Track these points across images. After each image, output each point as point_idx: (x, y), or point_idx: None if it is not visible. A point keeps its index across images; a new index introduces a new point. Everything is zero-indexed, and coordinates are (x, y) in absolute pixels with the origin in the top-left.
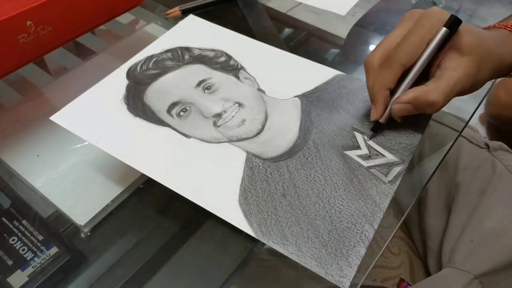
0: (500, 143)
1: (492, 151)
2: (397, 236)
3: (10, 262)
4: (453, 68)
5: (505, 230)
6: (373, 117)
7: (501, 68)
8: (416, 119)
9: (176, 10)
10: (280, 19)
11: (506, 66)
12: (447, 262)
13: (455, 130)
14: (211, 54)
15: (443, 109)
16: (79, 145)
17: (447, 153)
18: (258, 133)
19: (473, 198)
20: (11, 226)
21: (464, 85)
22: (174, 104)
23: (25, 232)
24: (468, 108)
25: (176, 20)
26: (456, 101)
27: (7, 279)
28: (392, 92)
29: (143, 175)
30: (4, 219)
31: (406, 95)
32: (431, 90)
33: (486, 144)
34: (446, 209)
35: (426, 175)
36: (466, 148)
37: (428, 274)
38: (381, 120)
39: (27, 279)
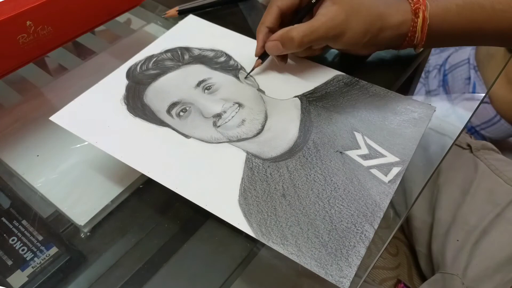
0: (483, 142)
1: (474, 151)
2: (395, 236)
3: (10, 262)
4: (321, 14)
5: (489, 227)
6: (255, 53)
7: (381, 24)
8: (416, 119)
9: (173, 10)
10: None
11: (390, 26)
12: (438, 265)
13: (448, 136)
14: (211, 54)
15: (439, 116)
16: (78, 145)
17: (444, 156)
18: (258, 133)
19: (456, 197)
20: (11, 226)
21: (329, 29)
22: (174, 104)
23: (25, 232)
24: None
25: (175, 20)
26: (452, 109)
27: (7, 279)
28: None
29: (142, 175)
30: (4, 219)
31: (275, 34)
32: (294, 28)
33: (468, 145)
34: (430, 211)
35: (425, 175)
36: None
37: (423, 276)
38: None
39: (27, 279)
